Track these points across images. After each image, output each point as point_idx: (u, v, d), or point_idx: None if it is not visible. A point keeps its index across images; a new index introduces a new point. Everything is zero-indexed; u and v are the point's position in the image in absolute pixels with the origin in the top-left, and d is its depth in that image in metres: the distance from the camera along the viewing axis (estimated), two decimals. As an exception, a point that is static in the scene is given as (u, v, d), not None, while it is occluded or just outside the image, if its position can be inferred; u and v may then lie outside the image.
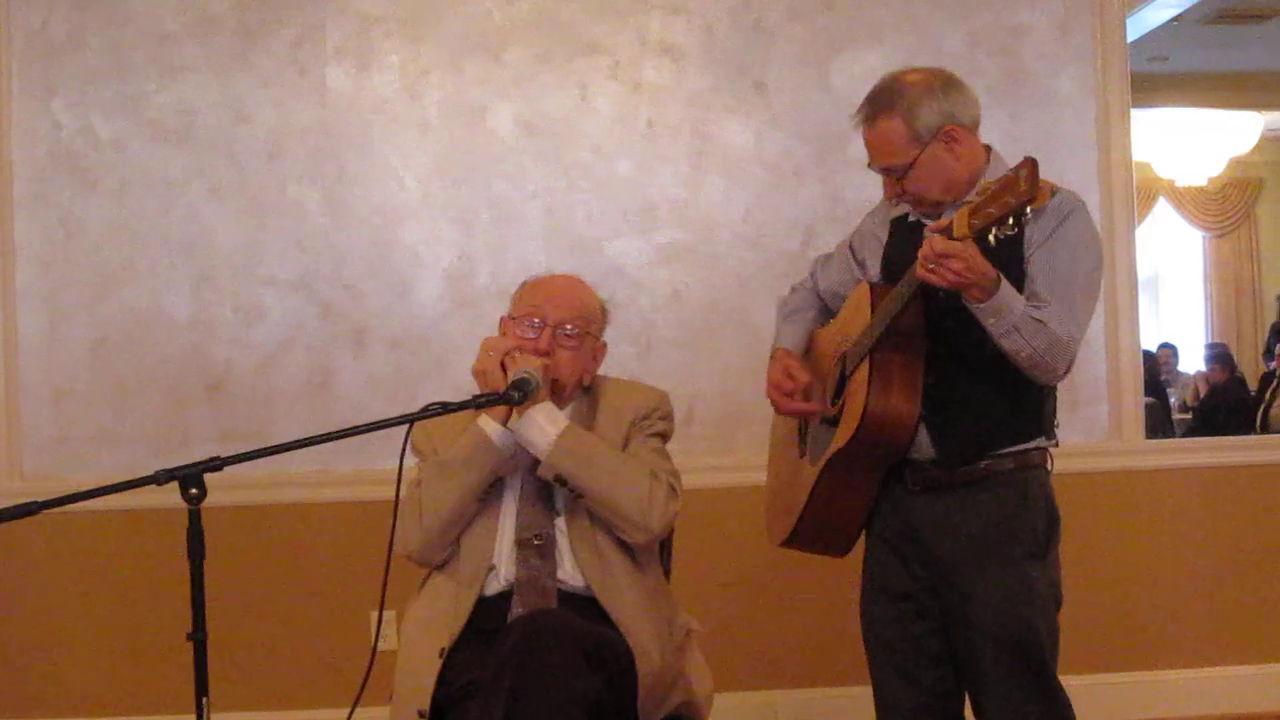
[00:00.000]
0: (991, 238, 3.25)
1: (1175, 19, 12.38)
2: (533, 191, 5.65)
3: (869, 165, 3.78)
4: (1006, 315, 3.40)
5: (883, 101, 3.69)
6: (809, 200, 5.70)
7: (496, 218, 5.64)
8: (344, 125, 5.61)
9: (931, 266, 3.32)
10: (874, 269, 3.90)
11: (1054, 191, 3.55)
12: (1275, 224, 18.84)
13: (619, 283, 5.58)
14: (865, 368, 3.62)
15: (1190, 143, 16.04)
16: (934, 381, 3.64)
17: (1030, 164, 3.14)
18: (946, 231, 3.32)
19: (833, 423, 3.78)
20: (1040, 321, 3.43)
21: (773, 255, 5.68)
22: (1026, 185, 3.13)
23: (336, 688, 5.26)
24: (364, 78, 5.62)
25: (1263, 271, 18.64)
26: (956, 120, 3.64)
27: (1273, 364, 15.25)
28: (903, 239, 3.76)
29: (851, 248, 4.08)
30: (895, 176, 3.70)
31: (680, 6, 5.68)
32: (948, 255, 3.29)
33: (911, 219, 3.78)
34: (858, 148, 5.50)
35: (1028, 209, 3.16)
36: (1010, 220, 3.18)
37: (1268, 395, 13.41)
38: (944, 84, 3.69)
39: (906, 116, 3.63)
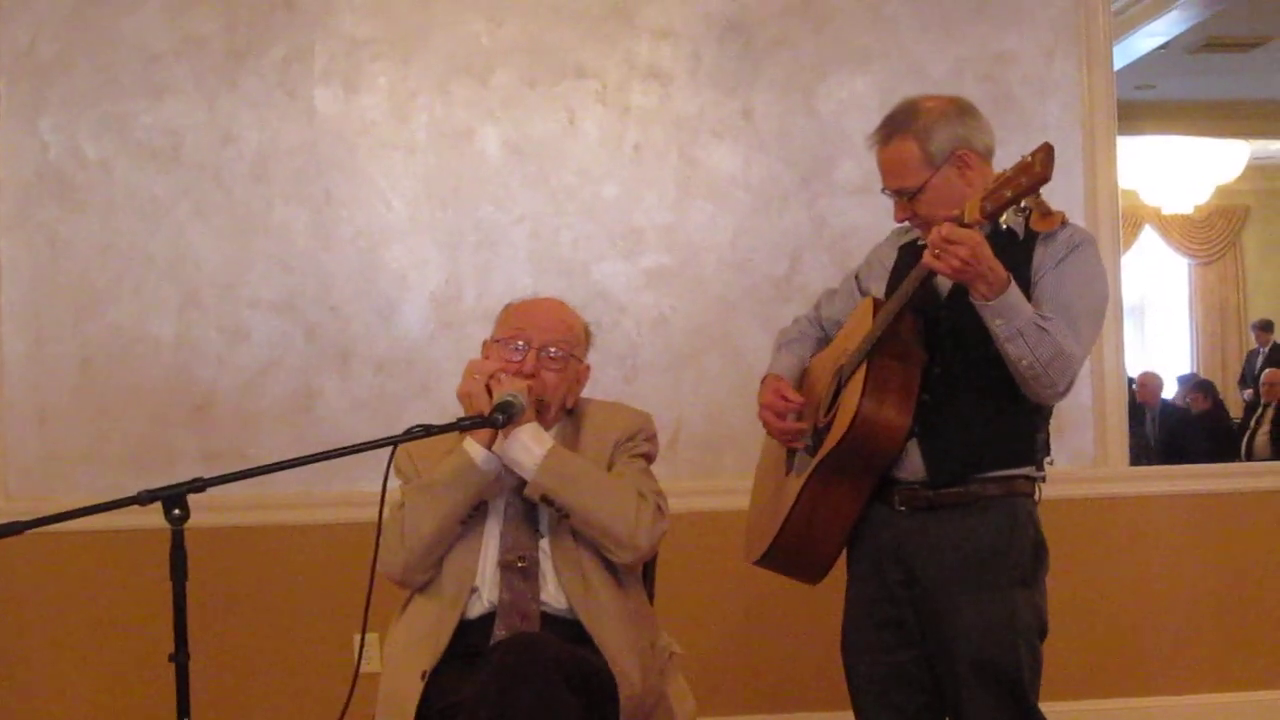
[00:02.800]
0: (1002, 222, 3.29)
1: (1162, 47, 12.45)
2: (519, 215, 5.65)
3: (882, 189, 3.79)
4: (1013, 318, 3.41)
5: (898, 123, 3.72)
6: (795, 225, 5.70)
7: (483, 241, 5.64)
8: (331, 147, 5.61)
9: (938, 252, 3.34)
10: (879, 294, 3.91)
11: (1065, 223, 3.56)
12: (1261, 251, 18.93)
13: (605, 306, 5.58)
14: (861, 372, 3.63)
15: (1176, 170, 16.12)
16: (929, 400, 3.65)
17: (1046, 148, 3.20)
18: (957, 219, 3.34)
19: (820, 439, 3.78)
20: (1045, 330, 3.43)
21: (758, 280, 5.69)
22: (1041, 167, 3.18)
23: (319, 710, 5.26)
24: (351, 100, 5.62)
25: (1248, 299, 18.72)
26: (970, 146, 3.67)
27: (1247, 393, 15.32)
28: (911, 263, 3.74)
29: (857, 278, 4.10)
30: (906, 198, 3.71)
31: (668, 31, 5.69)
32: (954, 241, 3.31)
33: (920, 243, 3.78)
34: (844, 173, 5.60)
35: (1039, 201, 3.25)
36: (1022, 206, 3.23)
37: (1252, 423, 13.47)
38: (960, 111, 3.73)
39: (921, 138, 3.66)
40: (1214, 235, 18.83)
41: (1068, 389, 3.59)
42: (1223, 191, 17.26)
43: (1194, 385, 15.00)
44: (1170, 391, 15.88)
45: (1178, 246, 18.86)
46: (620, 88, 5.69)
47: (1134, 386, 13.84)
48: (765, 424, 3.98)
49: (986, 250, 3.34)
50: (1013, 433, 3.70)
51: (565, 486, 3.64)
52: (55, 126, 5.54)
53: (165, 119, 5.57)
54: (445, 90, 5.65)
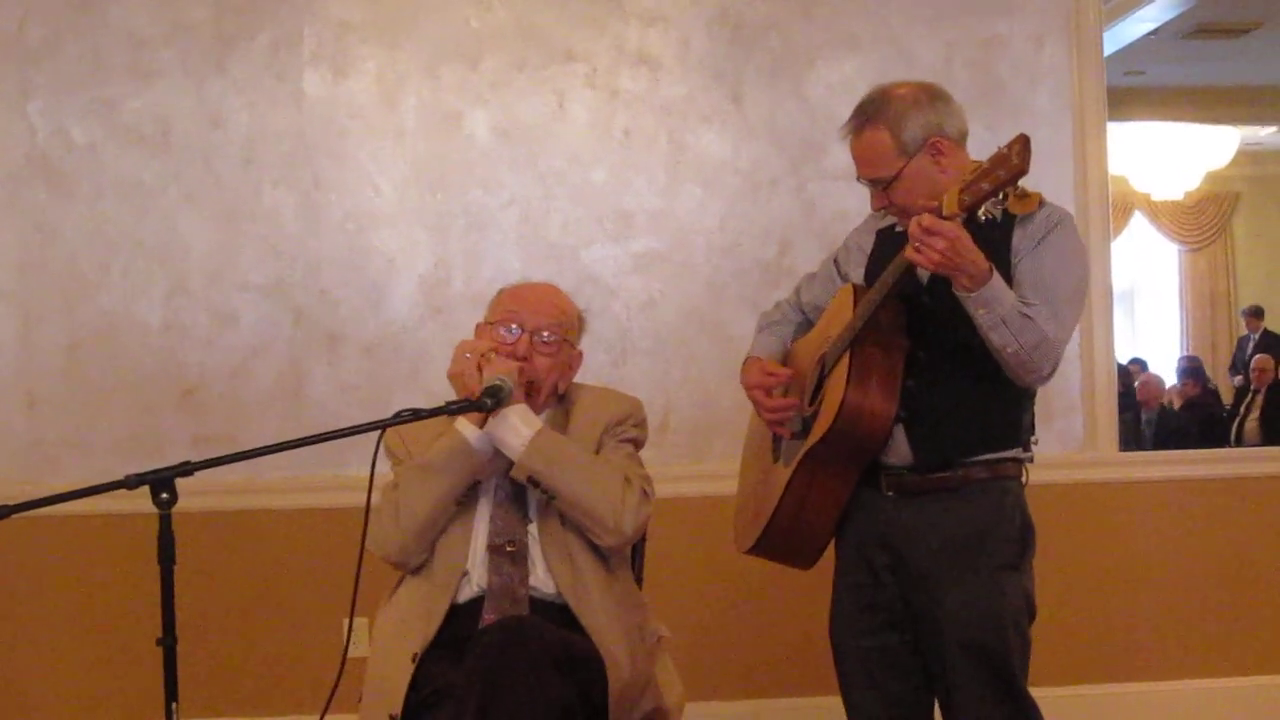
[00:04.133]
0: (981, 214, 3.28)
1: (1152, 33, 12.46)
2: (508, 199, 5.65)
3: (857, 177, 3.79)
4: (995, 307, 3.40)
5: (869, 113, 3.70)
6: (784, 209, 5.70)
7: (472, 225, 5.63)
8: (320, 131, 5.60)
9: (917, 245, 3.33)
10: (857, 279, 3.90)
11: (1043, 203, 3.57)
12: (1251, 238, 18.95)
13: (594, 291, 5.58)
14: (845, 362, 3.63)
15: (1166, 157, 16.12)
16: (914, 385, 3.65)
17: (1022, 139, 3.18)
18: (936, 211, 3.33)
19: (808, 426, 3.78)
20: (1028, 318, 3.43)
21: (747, 264, 5.69)
22: (1018, 159, 3.17)
23: (307, 694, 5.27)
24: (340, 84, 5.61)
25: (1238, 285, 18.74)
26: (943, 133, 3.65)
27: (1237, 379, 15.34)
28: (888, 248, 3.73)
29: (836, 262, 4.09)
30: (881, 188, 3.70)
31: (657, 16, 5.69)
32: (934, 232, 3.30)
33: (898, 229, 3.77)
34: (833, 158, 5.59)
35: (1018, 189, 3.24)
36: (1001, 195, 3.22)
37: (1242, 409, 13.49)
38: (931, 97, 3.71)
39: (893, 128, 3.64)
40: (1204, 221, 18.85)
41: (1052, 372, 3.60)
42: (1213, 177, 17.26)
43: (1185, 370, 15.02)
44: (1167, 376, 15.90)
45: (1168, 232, 18.88)
46: (609, 72, 5.69)
47: (1135, 384, 13.85)
48: (755, 403, 3.97)
49: (966, 241, 3.33)
50: (998, 416, 3.70)
51: (552, 468, 3.64)
52: (43, 111, 5.53)
53: (153, 103, 5.56)
54: (434, 74, 5.64)
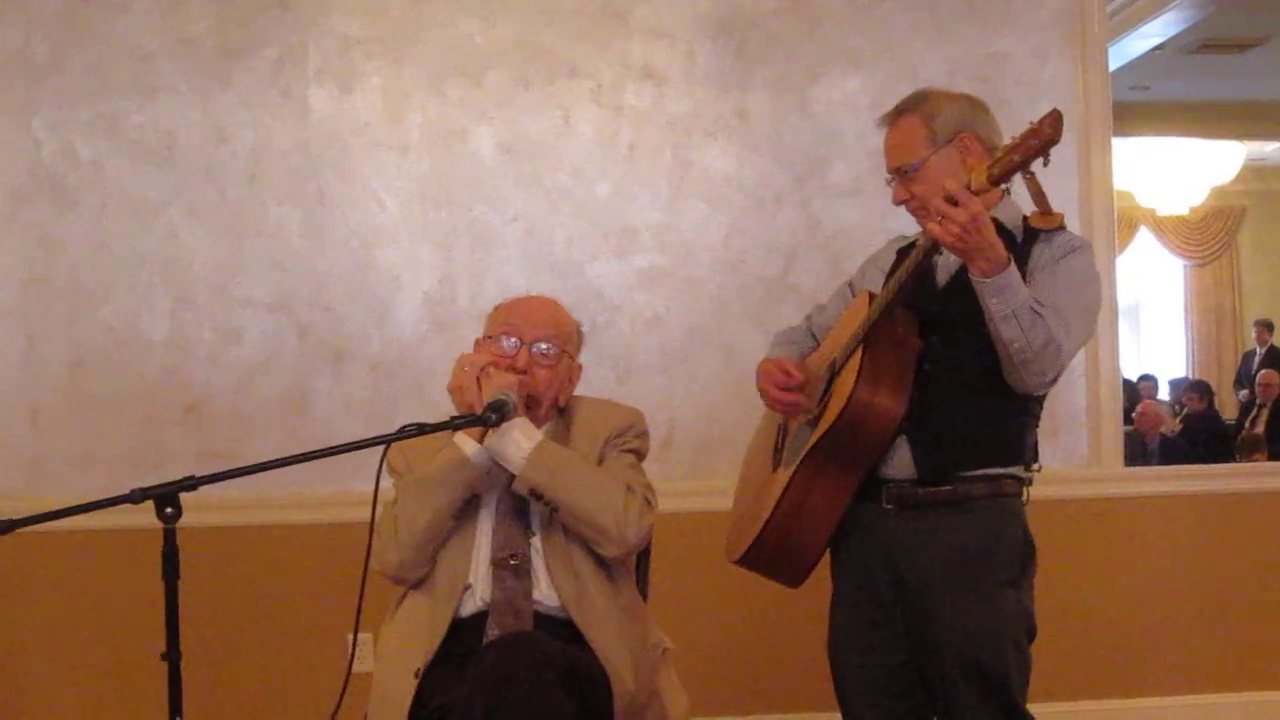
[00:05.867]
0: (1005, 188, 3.38)
1: (1157, 48, 12.45)
2: (513, 215, 5.65)
3: (887, 179, 3.83)
4: (1010, 298, 3.39)
5: (908, 103, 3.82)
6: (789, 225, 5.70)
7: (476, 241, 5.63)
8: (325, 147, 5.61)
9: (940, 218, 3.32)
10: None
11: (1064, 226, 3.59)
12: (1256, 253, 18.95)
13: (599, 306, 5.58)
14: (856, 358, 3.63)
15: (1172, 172, 16.12)
16: (918, 397, 3.64)
17: (1055, 113, 3.22)
18: (965, 185, 3.34)
19: (814, 425, 3.77)
20: (1040, 316, 3.43)
21: (752, 280, 5.68)
22: (1051, 130, 3.19)
23: (311, 709, 5.25)
24: (345, 99, 5.62)
25: (1244, 300, 18.74)
26: (974, 131, 3.72)
27: (1243, 393, 15.31)
28: None
29: (850, 285, 4.10)
30: (905, 177, 3.73)
31: (662, 31, 5.69)
32: (958, 202, 3.29)
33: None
34: (838, 173, 5.60)
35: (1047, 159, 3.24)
36: (1029, 167, 3.23)
37: (1247, 423, 13.48)
38: (971, 102, 3.83)
39: (926, 117, 3.73)
40: (1209, 237, 18.85)
41: (1054, 380, 3.60)
42: (1218, 193, 17.28)
43: (1190, 385, 15.00)
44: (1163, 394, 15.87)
45: (1173, 248, 18.89)
46: (614, 88, 5.69)
47: (1134, 414, 13.83)
48: (768, 396, 3.95)
49: (988, 223, 3.33)
50: (1002, 432, 3.70)
51: (553, 480, 3.63)
52: (48, 126, 5.54)
53: (158, 118, 5.56)
54: (439, 90, 5.65)
